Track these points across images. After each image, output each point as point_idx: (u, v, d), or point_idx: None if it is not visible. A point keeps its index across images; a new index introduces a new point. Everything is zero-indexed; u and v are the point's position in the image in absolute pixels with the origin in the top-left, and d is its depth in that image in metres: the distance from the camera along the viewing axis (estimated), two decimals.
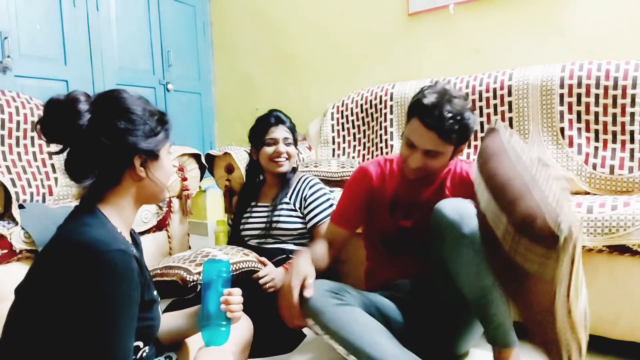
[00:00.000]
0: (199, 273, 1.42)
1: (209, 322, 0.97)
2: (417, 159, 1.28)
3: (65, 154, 0.87)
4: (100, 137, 0.83)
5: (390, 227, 1.44)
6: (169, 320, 1.06)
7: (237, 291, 1.01)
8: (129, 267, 0.77)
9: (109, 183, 0.87)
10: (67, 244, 0.78)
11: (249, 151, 2.23)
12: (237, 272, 1.51)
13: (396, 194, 1.44)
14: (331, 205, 1.80)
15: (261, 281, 1.56)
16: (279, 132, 1.83)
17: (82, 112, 0.83)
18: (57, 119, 0.83)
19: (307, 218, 1.80)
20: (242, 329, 1.16)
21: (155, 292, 0.93)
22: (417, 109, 1.25)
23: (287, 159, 1.83)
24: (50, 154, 1.78)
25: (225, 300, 0.97)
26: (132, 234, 0.98)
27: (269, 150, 1.82)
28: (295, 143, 1.89)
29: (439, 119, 1.20)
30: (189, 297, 1.46)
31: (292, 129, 1.88)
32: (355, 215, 1.49)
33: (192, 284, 1.41)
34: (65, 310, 0.74)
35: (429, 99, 1.22)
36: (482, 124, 2.10)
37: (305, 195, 1.81)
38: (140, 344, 0.85)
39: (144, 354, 0.88)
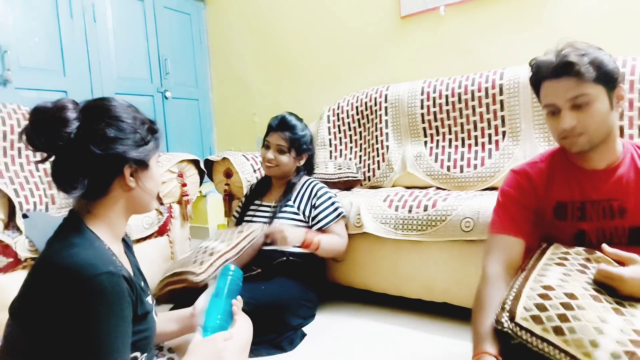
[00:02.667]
0: (203, 272, 1.50)
1: (214, 330, 0.99)
2: (566, 117, 1.05)
3: (51, 163, 0.85)
4: (90, 145, 0.80)
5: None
6: (162, 324, 1.07)
7: (240, 299, 1.05)
8: (119, 289, 0.75)
9: (98, 193, 0.85)
10: (55, 267, 0.76)
11: (247, 156, 2.27)
12: (242, 251, 1.62)
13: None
14: (336, 209, 1.82)
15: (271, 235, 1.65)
16: (274, 138, 1.86)
17: (70, 120, 0.80)
18: (44, 127, 0.80)
19: (313, 222, 1.82)
20: (242, 327, 1.16)
21: (149, 301, 0.92)
22: (539, 74, 1.10)
23: (276, 165, 1.86)
24: (36, 163, 1.80)
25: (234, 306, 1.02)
26: (125, 239, 0.97)
27: (263, 152, 1.88)
28: (297, 151, 1.86)
29: (563, 60, 1.04)
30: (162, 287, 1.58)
31: (292, 138, 1.84)
32: None
33: (202, 283, 1.48)
34: (58, 333, 0.73)
35: (544, 58, 1.09)
36: (475, 123, 2.13)
37: (315, 204, 1.83)
38: (138, 354, 0.85)
39: None
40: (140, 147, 0.87)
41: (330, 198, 1.85)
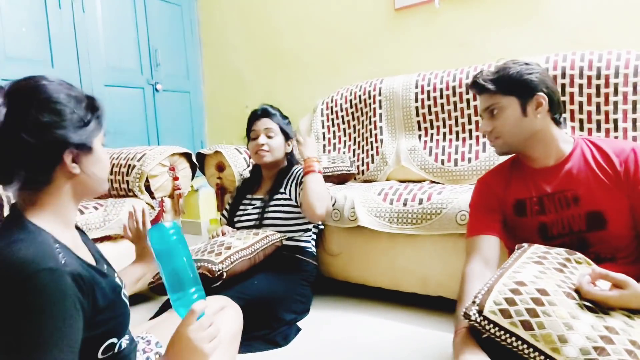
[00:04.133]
0: (221, 262, 1.50)
1: (183, 295, 0.85)
2: (483, 123, 1.26)
3: None
4: (21, 134, 0.72)
5: None
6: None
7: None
8: (61, 287, 0.69)
9: (39, 184, 0.78)
10: None
11: (240, 149, 2.25)
12: (256, 252, 1.61)
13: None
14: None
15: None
16: (260, 124, 1.85)
17: None
18: None
19: (299, 191, 1.81)
20: (230, 318, 1.15)
21: (116, 285, 0.85)
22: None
23: (268, 150, 1.84)
24: None
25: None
26: (76, 226, 0.91)
27: (252, 143, 1.85)
28: (285, 136, 1.89)
29: (472, 81, 1.25)
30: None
31: (280, 122, 1.88)
32: None
33: (218, 272, 1.48)
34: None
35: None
36: (469, 116, 2.12)
37: (300, 181, 1.82)
38: (114, 340, 0.81)
39: (123, 346, 0.85)
40: (80, 129, 0.78)
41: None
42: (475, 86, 1.24)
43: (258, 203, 1.88)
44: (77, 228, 0.90)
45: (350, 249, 1.89)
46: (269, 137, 1.84)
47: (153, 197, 2.03)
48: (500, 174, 1.32)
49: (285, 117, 1.93)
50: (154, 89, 3.26)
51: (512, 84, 1.19)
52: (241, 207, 1.92)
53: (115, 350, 0.82)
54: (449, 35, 2.51)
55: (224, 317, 1.13)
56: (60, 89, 0.78)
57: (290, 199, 1.83)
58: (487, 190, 1.31)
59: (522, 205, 1.24)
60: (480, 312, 0.89)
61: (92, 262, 0.84)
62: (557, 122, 1.23)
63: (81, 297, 0.72)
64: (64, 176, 0.79)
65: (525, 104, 1.18)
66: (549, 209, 1.20)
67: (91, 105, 0.83)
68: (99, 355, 0.79)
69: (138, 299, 1.98)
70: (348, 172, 2.29)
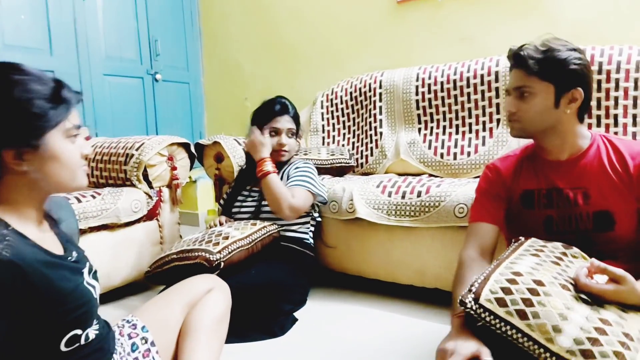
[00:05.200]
0: (219, 252, 1.50)
1: None
2: (509, 102, 1.18)
3: None
4: None
5: None
6: None
7: None
8: None
9: None
10: None
11: (239, 140, 2.23)
12: (254, 243, 1.61)
13: None
14: (305, 181, 1.77)
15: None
16: (284, 122, 1.83)
17: None
18: None
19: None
20: (217, 301, 1.14)
21: (80, 273, 0.83)
22: (508, 61, 1.20)
23: (288, 150, 1.85)
24: None
25: None
26: (50, 214, 0.88)
27: (272, 141, 1.82)
28: (297, 134, 1.89)
29: (517, 52, 1.14)
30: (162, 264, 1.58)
31: (296, 119, 1.89)
32: None
33: (216, 262, 1.48)
34: None
35: (513, 47, 1.17)
36: (469, 110, 2.12)
37: (290, 174, 1.82)
38: (78, 331, 0.79)
39: (90, 337, 0.83)
40: (22, 125, 0.72)
41: (307, 174, 1.80)
42: (516, 58, 1.14)
43: (256, 195, 1.87)
44: (50, 217, 0.88)
45: (348, 240, 1.89)
46: (289, 136, 1.84)
47: (151, 187, 2.03)
48: (511, 162, 1.27)
49: (297, 113, 1.92)
50: (153, 79, 3.24)
51: (555, 71, 1.10)
52: (240, 197, 1.91)
53: (82, 341, 0.80)
54: (451, 29, 2.50)
55: (209, 301, 1.12)
56: (7, 85, 0.73)
57: None
58: (495, 178, 1.27)
59: (529, 197, 1.21)
60: (476, 300, 0.89)
61: (60, 252, 0.82)
62: (581, 119, 1.18)
63: (18, 287, 0.70)
64: (11, 172, 0.75)
65: (560, 96, 1.11)
66: (557, 203, 1.17)
67: (53, 97, 0.76)
68: (62, 348, 0.77)
69: (136, 288, 1.98)
70: (347, 165, 2.29)
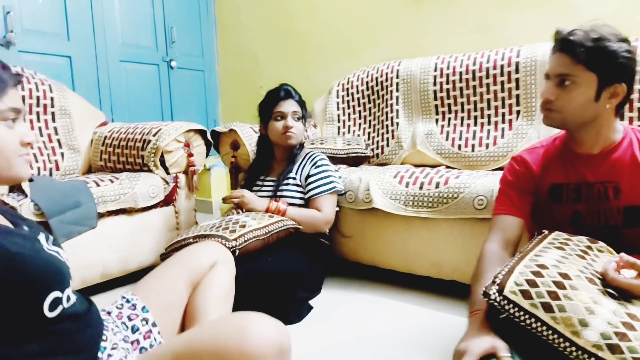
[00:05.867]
0: (235, 239, 1.50)
1: None
2: (548, 89, 1.12)
3: None
4: None
5: None
6: None
7: None
8: None
9: None
10: None
11: (254, 128, 2.23)
12: (269, 234, 1.59)
13: None
14: (331, 182, 1.79)
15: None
16: (288, 106, 1.83)
17: None
18: None
19: (307, 189, 1.81)
20: (221, 276, 1.13)
21: (36, 240, 0.81)
22: (553, 43, 1.13)
23: (296, 132, 1.83)
24: None
25: None
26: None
27: (278, 124, 1.83)
28: (304, 118, 1.89)
29: (566, 37, 1.08)
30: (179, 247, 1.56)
31: (302, 104, 1.89)
32: None
33: (231, 249, 1.47)
34: None
35: (561, 29, 1.12)
36: (488, 101, 2.09)
37: (310, 173, 1.82)
38: (57, 293, 0.76)
39: (72, 299, 0.80)
40: None
41: (327, 170, 1.82)
42: (564, 43, 1.07)
43: (271, 184, 1.87)
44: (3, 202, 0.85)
45: (364, 230, 1.88)
46: (295, 120, 1.84)
47: (168, 173, 2.03)
48: (539, 154, 1.23)
49: (302, 99, 1.93)
50: (168, 66, 3.24)
51: (603, 62, 1.04)
52: (254, 188, 1.91)
53: (65, 304, 0.77)
54: (469, 18, 2.46)
55: (214, 280, 1.11)
56: None
57: (300, 185, 1.83)
58: (523, 170, 1.22)
59: (558, 191, 1.18)
60: (500, 291, 0.87)
61: (9, 225, 0.80)
62: (620, 114, 1.14)
63: None
64: None
65: (602, 89, 1.06)
66: (586, 198, 1.14)
67: None
68: (48, 314, 0.74)
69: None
70: (363, 155, 2.28)
